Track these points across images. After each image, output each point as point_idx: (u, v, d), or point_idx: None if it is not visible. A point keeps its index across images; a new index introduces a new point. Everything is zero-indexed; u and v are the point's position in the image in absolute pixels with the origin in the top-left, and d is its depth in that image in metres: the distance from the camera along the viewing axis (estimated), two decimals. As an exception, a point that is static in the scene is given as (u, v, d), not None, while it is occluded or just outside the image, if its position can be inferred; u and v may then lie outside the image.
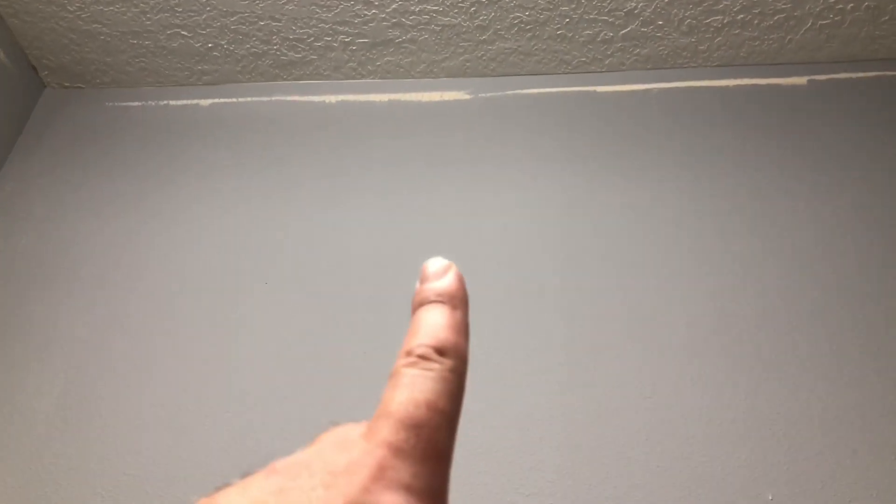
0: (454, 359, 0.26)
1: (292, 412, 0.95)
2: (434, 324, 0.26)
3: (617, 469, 0.84)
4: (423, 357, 0.25)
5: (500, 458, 0.87)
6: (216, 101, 1.36)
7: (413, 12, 1.20)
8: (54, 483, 0.91)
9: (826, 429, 0.85)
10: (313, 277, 1.08)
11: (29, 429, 0.96)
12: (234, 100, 1.35)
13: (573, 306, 0.98)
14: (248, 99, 1.35)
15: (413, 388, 0.24)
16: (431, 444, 0.23)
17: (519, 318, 0.99)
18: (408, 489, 0.22)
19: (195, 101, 1.36)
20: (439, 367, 0.25)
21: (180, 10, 1.25)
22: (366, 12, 1.22)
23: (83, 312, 1.08)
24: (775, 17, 1.16)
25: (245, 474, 0.23)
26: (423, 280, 0.29)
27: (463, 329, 0.27)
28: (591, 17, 1.18)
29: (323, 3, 1.21)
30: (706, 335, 0.94)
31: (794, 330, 0.94)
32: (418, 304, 0.28)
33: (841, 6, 1.14)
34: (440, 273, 0.28)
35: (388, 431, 0.23)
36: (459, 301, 0.27)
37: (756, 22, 1.18)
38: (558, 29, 1.20)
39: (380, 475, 0.22)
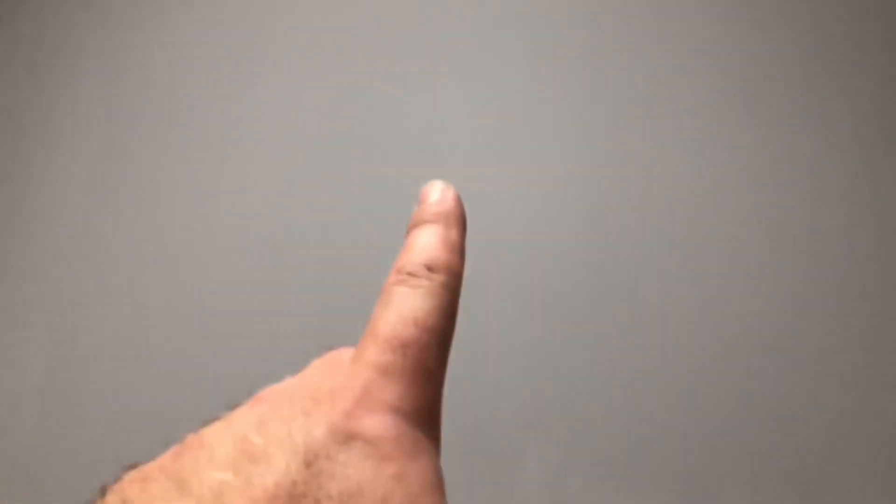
0: (446, 275, 0.25)
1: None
2: (426, 242, 0.26)
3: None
4: (412, 274, 0.24)
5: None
6: None
7: None
8: None
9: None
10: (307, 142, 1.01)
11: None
12: None
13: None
14: None
15: (401, 305, 0.24)
16: (420, 363, 0.22)
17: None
18: (394, 410, 0.21)
19: None
20: (429, 283, 0.24)
21: None
22: None
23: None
24: None
25: (232, 406, 0.23)
26: (420, 203, 0.28)
27: (457, 247, 0.26)
28: None
29: None
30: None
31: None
32: (413, 226, 0.27)
33: None
34: (437, 194, 0.28)
35: (373, 352, 0.23)
36: (455, 220, 0.27)
37: None
38: None
39: (364, 397, 0.21)
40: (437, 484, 0.21)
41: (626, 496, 0.78)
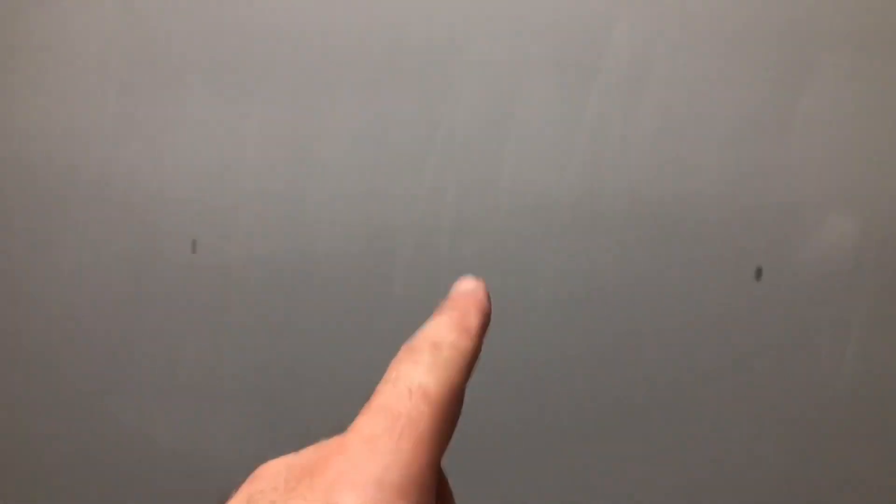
0: (451, 351, 0.24)
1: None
2: (437, 324, 0.26)
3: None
4: (415, 350, 0.24)
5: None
6: None
7: None
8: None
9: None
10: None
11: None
12: None
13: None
14: None
15: (398, 377, 0.24)
16: (411, 434, 0.22)
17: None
18: (377, 483, 0.21)
19: None
20: (431, 358, 0.24)
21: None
22: None
23: None
24: None
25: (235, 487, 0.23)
26: (448, 296, 0.28)
27: (470, 332, 0.26)
28: None
29: None
30: None
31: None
32: (434, 314, 0.27)
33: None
34: (466, 286, 0.28)
35: (362, 422, 0.22)
36: (475, 310, 0.26)
37: None
38: None
39: (347, 470, 0.21)
40: None
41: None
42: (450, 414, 0.23)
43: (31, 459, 0.90)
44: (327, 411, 0.81)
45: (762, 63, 0.70)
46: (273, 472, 0.22)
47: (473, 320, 0.26)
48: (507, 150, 0.75)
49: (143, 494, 0.86)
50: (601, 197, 0.73)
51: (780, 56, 0.69)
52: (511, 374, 0.75)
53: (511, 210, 0.75)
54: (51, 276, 0.89)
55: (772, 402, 0.70)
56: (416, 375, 0.23)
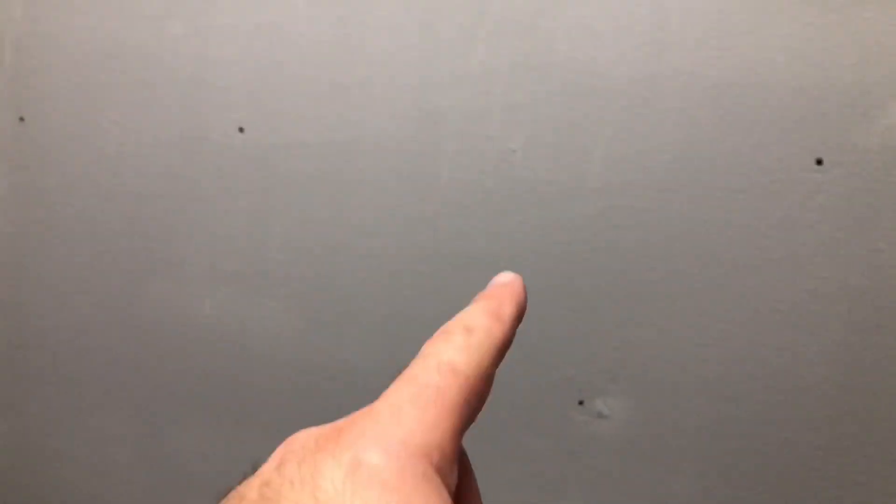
0: (483, 335, 0.25)
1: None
2: (472, 310, 0.27)
3: None
4: (448, 332, 0.25)
5: None
6: None
7: None
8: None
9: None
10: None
11: None
12: None
13: None
14: None
15: (429, 353, 0.24)
16: (437, 404, 0.23)
17: None
18: (402, 443, 0.21)
19: None
20: (462, 339, 0.25)
21: None
22: None
23: None
24: None
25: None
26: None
27: (503, 319, 0.27)
28: None
29: None
30: None
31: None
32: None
33: None
34: (502, 278, 0.29)
35: (391, 391, 0.23)
36: (510, 300, 0.28)
37: None
38: None
39: (372, 430, 0.22)
40: None
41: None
42: (477, 392, 0.24)
43: (77, 341, 0.92)
44: (369, 298, 0.82)
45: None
46: (304, 437, 0.23)
47: (508, 310, 0.27)
48: (561, 30, 0.73)
49: (187, 377, 0.88)
50: (658, 81, 0.71)
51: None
52: (561, 261, 0.75)
53: (564, 93, 0.73)
54: (97, 160, 0.89)
55: (833, 293, 0.69)
56: (446, 353, 0.24)
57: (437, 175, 0.77)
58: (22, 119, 0.91)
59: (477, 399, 0.24)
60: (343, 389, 0.80)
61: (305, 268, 0.82)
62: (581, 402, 0.75)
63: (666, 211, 0.72)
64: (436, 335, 0.26)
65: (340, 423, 0.23)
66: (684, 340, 0.72)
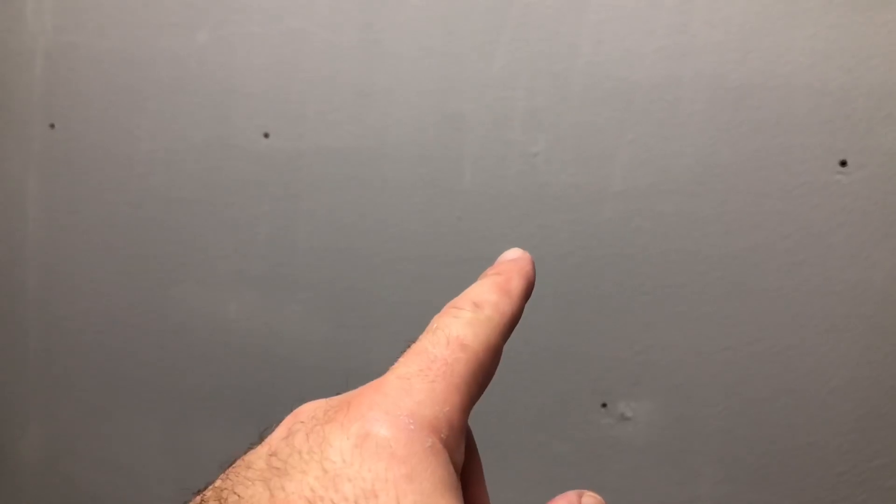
0: (491, 310, 0.26)
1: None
2: (480, 286, 0.27)
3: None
4: (457, 307, 0.25)
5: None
6: None
7: None
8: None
9: None
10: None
11: None
12: None
13: None
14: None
15: (438, 328, 0.24)
16: (445, 378, 0.23)
17: None
18: (410, 415, 0.21)
19: None
20: (471, 315, 0.25)
21: None
22: None
23: None
24: None
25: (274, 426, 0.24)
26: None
27: (512, 294, 0.27)
28: None
29: None
30: None
31: None
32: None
33: None
34: (511, 254, 0.29)
35: (400, 364, 0.23)
36: (518, 275, 0.28)
37: None
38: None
39: (381, 402, 0.22)
40: (451, 485, 0.21)
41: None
42: (485, 366, 0.24)
43: (106, 344, 0.94)
44: (394, 301, 0.82)
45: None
46: (313, 407, 0.23)
47: (516, 285, 0.27)
48: (582, 34, 0.73)
49: (214, 379, 0.89)
50: (681, 83, 0.71)
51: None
52: (584, 264, 0.75)
53: (586, 96, 0.73)
54: (125, 166, 0.90)
55: (858, 296, 0.69)
56: (455, 327, 0.24)
57: (459, 179, 0.77)
58: (52, 126, 0.93)
59: (485, 374, 0.24)
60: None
61: (330, 271, 0.83)
62: (604, 405, 0.76)
63: (689, 214, 0.72)
64: (444, 309, 0.26)
65: (349, 395, 0.23)
66: (708, 343, 0.72)
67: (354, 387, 0.24)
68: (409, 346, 0.24)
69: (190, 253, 0.88)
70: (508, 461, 0.78)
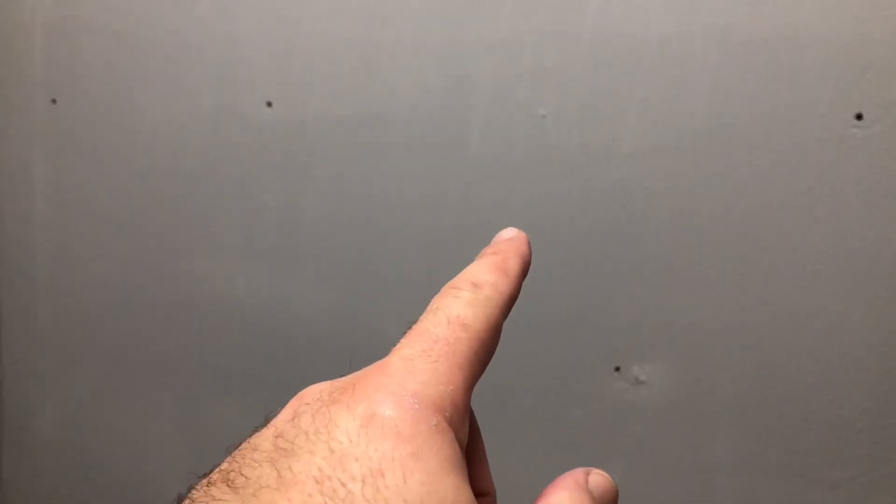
0: (490, 290, 0.26)
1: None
2: (478, 266, 0.27)
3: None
4: (456, 287, 0.26)
5: None
6: None
7: None
8: None
9: None
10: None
11: None
12: None
13: None
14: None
15: (439, 308, 0.25)
16: (448, 358, 0.23)
17: None
18: (414, 395, 0.22)
19: None
20: (471, 294, 0.25)
21: None
22: None
23: None
24: None
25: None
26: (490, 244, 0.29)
27: (510, 273, 0.27)
28: None
29: None
30: None
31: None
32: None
33: None
34: (508, 234, 0.29)
35: (403, 344, 0.24)
36: (515, 254, 0.28)
37: None
38: None
39: (386, 382, 0.22)
40: (457, 463, 0.21)
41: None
42: (486, 345, 0.25)
43: (117, 319, 0.94)
44: (402, 268, 0.81)
45: None
46: (318, 390, 0.23)
47: (513, 264, 0.27)
48: (591, -8, 0.71)
49: (224, 351, 0.89)
50: (690, 38, 0.69)
51: None
52: (594, 227, 0.74)
53: (593, 56, 0.72)
54: (129, 140, 0.90)
55: (875, 253, 0.68)
56: (455, 307, 0.25)
57: (466, 143, 0.76)
58: (54, 101, 0.93)
59: (486, 352, 0.25)
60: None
61: (337, 241, 0.82)
62: (618, 369, 0.75)
63: (701, 173, 0.71)
64: (444, 290, 0.26)
65: (354, 376, 0.23)
66: (722, 304, 0.71)
67: (357, 367, 0.24)
68: (410, 328, 0.25)
69: (197, 226, 0.88)
70: (523, 429, 0.77)
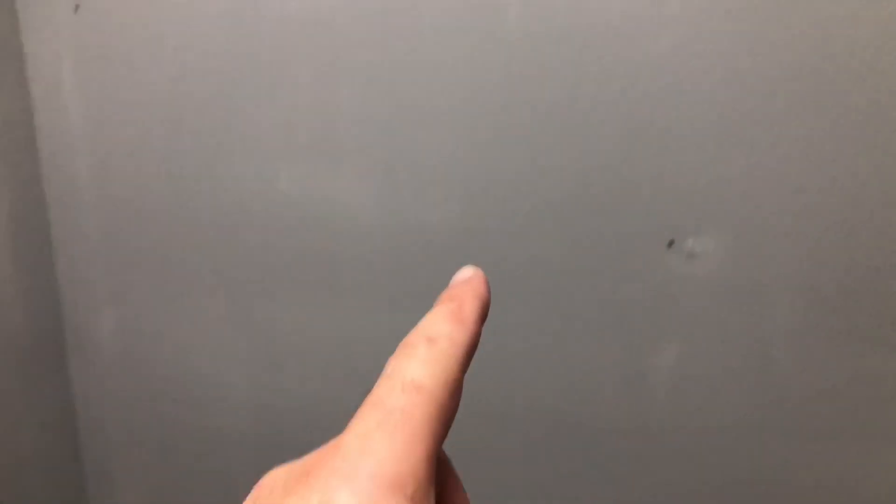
0: (447, 343, 0.25)
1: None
2: (433, 317, 0.26)
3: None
4: (410, 345, 0.25)
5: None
6: None
7: None
8: None
9: None
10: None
11: None
12: None
13: None
14: None
15: (392, 373, 0.24)
16: (405, 428, 0.22)
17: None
18: (371, 477, 0.21)
19: None
20: (425, 351, 0.24)
21: None
22: None
23: None
24: None
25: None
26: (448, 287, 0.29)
27: (466, 321, 0.26)
28: None
29: None
30: None
31: None
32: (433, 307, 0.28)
33: None
34: (463, 275, 0.28)
35: (357, 420, 0.23)
36: (472, 297, 0.27)
37: None
38: None
39: (341, 467, 0.21)
40: None
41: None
42: (445, 406, 0.23)
43: (163, 226, 0.95)
44: (444, 153, 0.79)
45: None
46: (273, 479, 0.23)
47: (469, 310, 0.26)
48: None
49: (271, 251, 0.89)
50: None
51: None
52: (643, 98, 0.71)
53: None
54: (157, 44, 0.88)
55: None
56: (409, 370, 0.24)
57: (504, 19, 0.73)
58: (77, 7, 0.90)
59: (445, 413, 0.24)
60: (424, 249, 0.79)
61: (377, 130, 0.81)
62: (671, 243, 0.73)
63: (754, 35, 0.66)
64: (398, 350, 0.25)
65: (309, 460, 0.23)
66: (777, 174, 0.68)
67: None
68: (365, 398, 0.24)
69: (233, 126, 0.87)
70: (574, 310, 0.77)
